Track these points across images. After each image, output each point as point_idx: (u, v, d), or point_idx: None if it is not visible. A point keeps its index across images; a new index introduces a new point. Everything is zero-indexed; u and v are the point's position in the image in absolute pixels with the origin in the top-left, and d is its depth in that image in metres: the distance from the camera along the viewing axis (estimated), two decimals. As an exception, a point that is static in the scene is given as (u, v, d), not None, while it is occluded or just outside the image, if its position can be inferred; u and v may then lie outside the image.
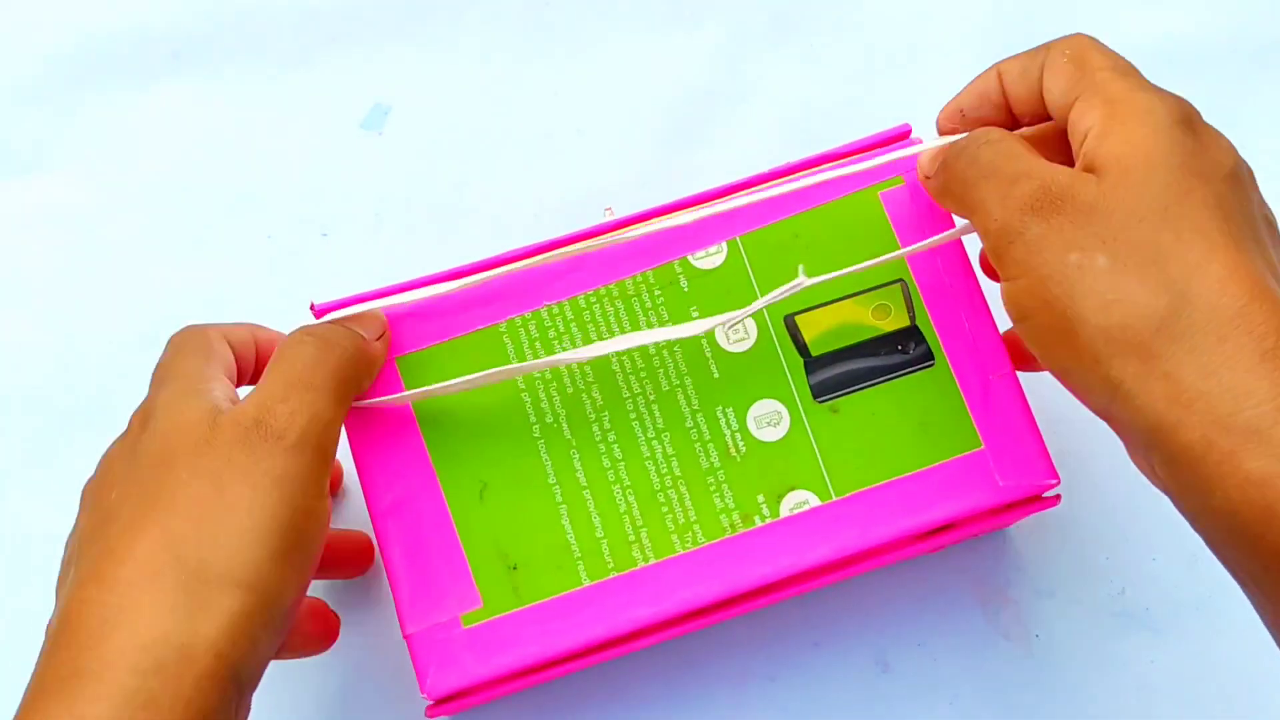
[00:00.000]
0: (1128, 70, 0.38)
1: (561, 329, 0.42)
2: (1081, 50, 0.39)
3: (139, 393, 0.51)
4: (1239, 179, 0.36)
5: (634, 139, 0.53)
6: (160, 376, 0.40)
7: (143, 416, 0.39)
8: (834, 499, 0.41)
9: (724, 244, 0.43)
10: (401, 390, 0.42)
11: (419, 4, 0.55)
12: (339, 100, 0.54)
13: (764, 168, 0.54)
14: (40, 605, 0.49)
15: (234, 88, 0.54)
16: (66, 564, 0.39)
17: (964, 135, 0.40)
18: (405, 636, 0.41)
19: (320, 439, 0.37)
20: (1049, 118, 0.40)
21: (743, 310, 0.41)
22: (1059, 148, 0.39)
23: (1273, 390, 0.32)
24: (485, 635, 0.40)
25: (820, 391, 0.42)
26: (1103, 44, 0.40)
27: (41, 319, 0.52)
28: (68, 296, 0.52)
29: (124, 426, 0.51)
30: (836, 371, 0.42)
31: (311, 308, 0.42)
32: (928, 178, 0.41)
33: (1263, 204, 0.37)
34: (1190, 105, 0.38)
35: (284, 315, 0.52)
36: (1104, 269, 0.34)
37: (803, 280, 0.40)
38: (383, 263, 0.52)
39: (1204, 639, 0.47)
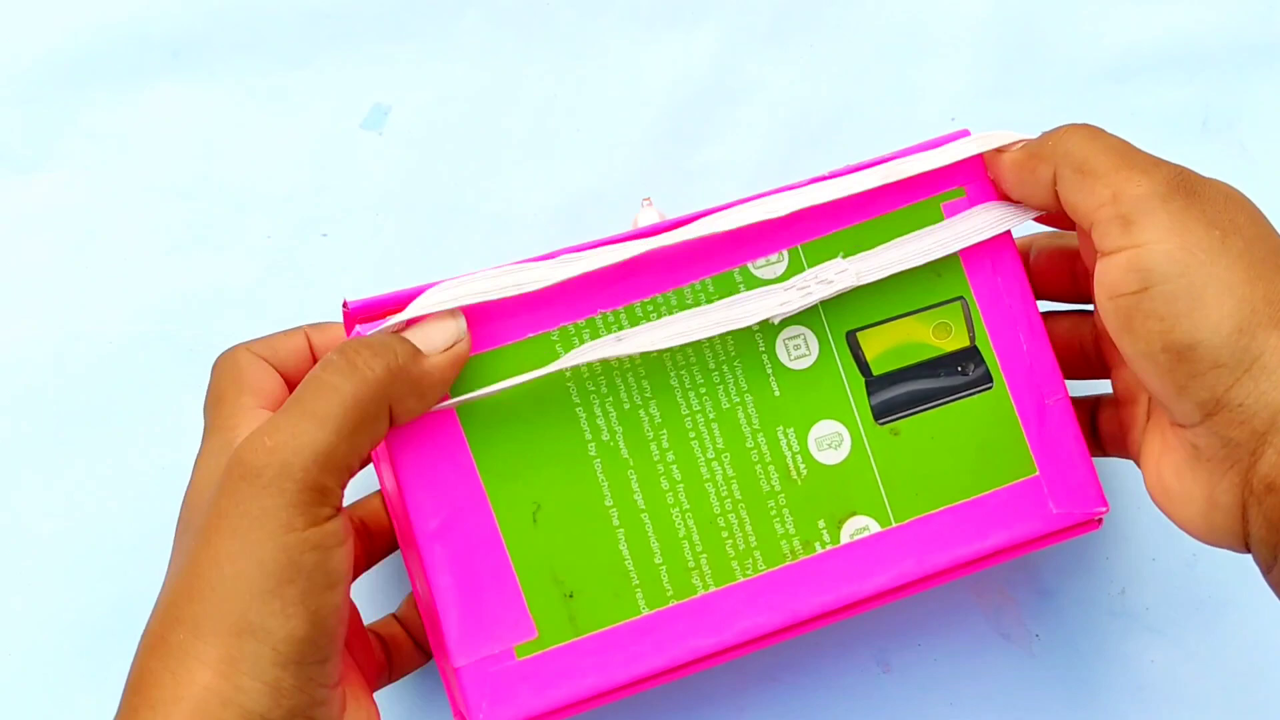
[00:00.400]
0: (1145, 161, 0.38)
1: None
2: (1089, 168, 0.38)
3: (138, 393, 0.51)
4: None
5: (634, 139, 0.53)
6: (207, 417, 0.40)
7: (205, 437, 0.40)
8: (894, 525, 0.41)
9: (785, 252, 0.41)
10: (446, 399, 0.39)
11: (419, 4, 0.54)
12: (339, 100, 0.54)
13: (763, 167, 0.54)
14: (40, 605, 0.49)
15: (234, 88, 0.54)
16: None
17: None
18: (455, 669, 0.38)
19: (307, 472, 0.35)
20: (1052, 206, 0.40)
21: (796, 303, 0.40)
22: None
23: None
24: (540, 667, 0.38)
25: (882, 413, 0.41)
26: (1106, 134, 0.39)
27: (41, 319, 0.52)
28: (68, 296, 0.52)
29: (123, 427, 0.51)
30: (898, 392, 0.41)
31: (345, 307, 0.39)
32: (1012, 157, 0.41)
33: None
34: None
35: (284, 315, 0.52)
36: (1243, 250, 0.34)
37: (849, 268, 0.40)
38: (383, 263, 0.52)
39: (1204, 639, 0.47)
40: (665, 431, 0.40)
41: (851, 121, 0.54)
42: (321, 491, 0.35)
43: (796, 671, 0.48)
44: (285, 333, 0.42)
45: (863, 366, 0.42)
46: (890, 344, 0.42)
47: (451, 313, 0.38)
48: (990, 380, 0.42)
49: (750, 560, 0.40)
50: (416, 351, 0.37)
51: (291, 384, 0.41)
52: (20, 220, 0.53)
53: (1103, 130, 0.39)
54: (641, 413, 0.40)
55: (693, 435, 0.40)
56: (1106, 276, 0.36)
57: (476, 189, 0.53)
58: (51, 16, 0.55)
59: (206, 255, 0.53)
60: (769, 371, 0.41)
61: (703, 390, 0.41)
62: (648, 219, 0.43)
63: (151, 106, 0.54)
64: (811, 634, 0.47)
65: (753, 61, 0.54)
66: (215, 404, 0.40)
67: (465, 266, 0.52)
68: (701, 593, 0.40)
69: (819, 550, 0.41)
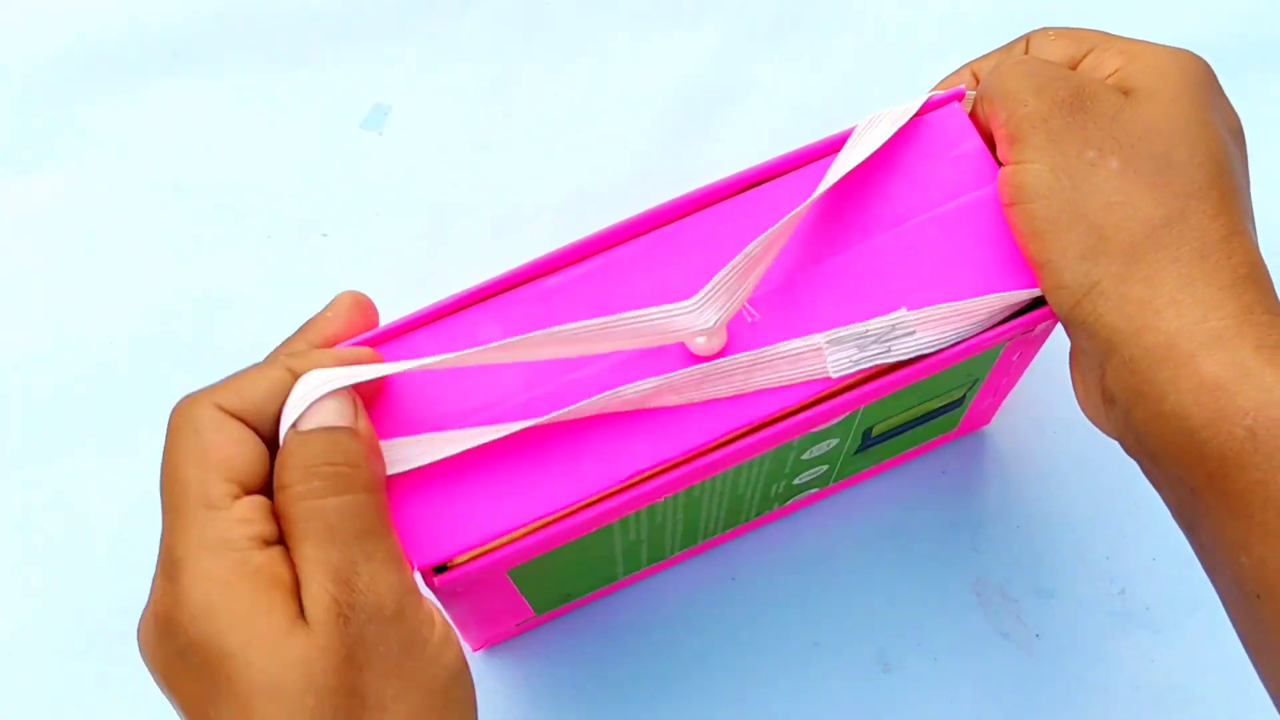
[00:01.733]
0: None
1: (669, 510, 0.40)
2: (1067, 28, 0.40)
3: (138, 393, 0.51)
4: (1242, 140, 0.39)
5: (634, 139, 0.53)
6: (167, 502, 0.33)
7: (166, 572, 0.32)
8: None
9: (832, 424, 0.39)
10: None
11: (419, 4, 0.54)
12: (339, 100, 0.54)
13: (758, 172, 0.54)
14: (39, 605, 0.49)
15: (234, 88, 0.54)
16: None
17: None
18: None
19: (406, 582, 0.32)
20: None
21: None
22: None
23: (1239, 307, 0.34)
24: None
25: (865, 448, 0.44)
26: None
27: (41, 319, 0.52)
28: (68, 296, 0.52)
29: (123, 427, 0.51)
30: (887, 439, 0.44)
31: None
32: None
33: (1246, 172, 0.39)
34: (1209, 65, 0.39)
35: (284, 315, 0.52)
36: (1115, 171, 0.36)
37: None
38: (383, 263, 0.52)
39: (1204, 639, 0.47)
40: (680, 514, 0.41)
41: (851, 122, 0.54)
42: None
43: (796, 671, 0.48)
44: (258, 370, 0.34)
45: (866, 438, 0.43)
46: (896, 422, 0.43)
47: (308, 383, 0.33)
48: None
49: None
50: (352, 433, 0.33)
51: (270, 436, 0.34)
52: (20, 220, 0.53)
53: (1043, 43, 0.41)
54: (667, 517, 0.41)
55: (702, 508, 0.41)
56: (998, 185, 0.38)
57: (476, 189, 0.53)
58: (51, 16, 0.55)
59: (206, 255, 0.53)
60: (788, 468, 0.42)
61: (728, 485, 0.40)
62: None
63: (151, 106, 0.54)
64: (811, 634, 0.48)
65: (753, 61, 0.54)
66: (173, 486, 0.33)
67: (465, 266, 0.52)
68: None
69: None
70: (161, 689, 0.32)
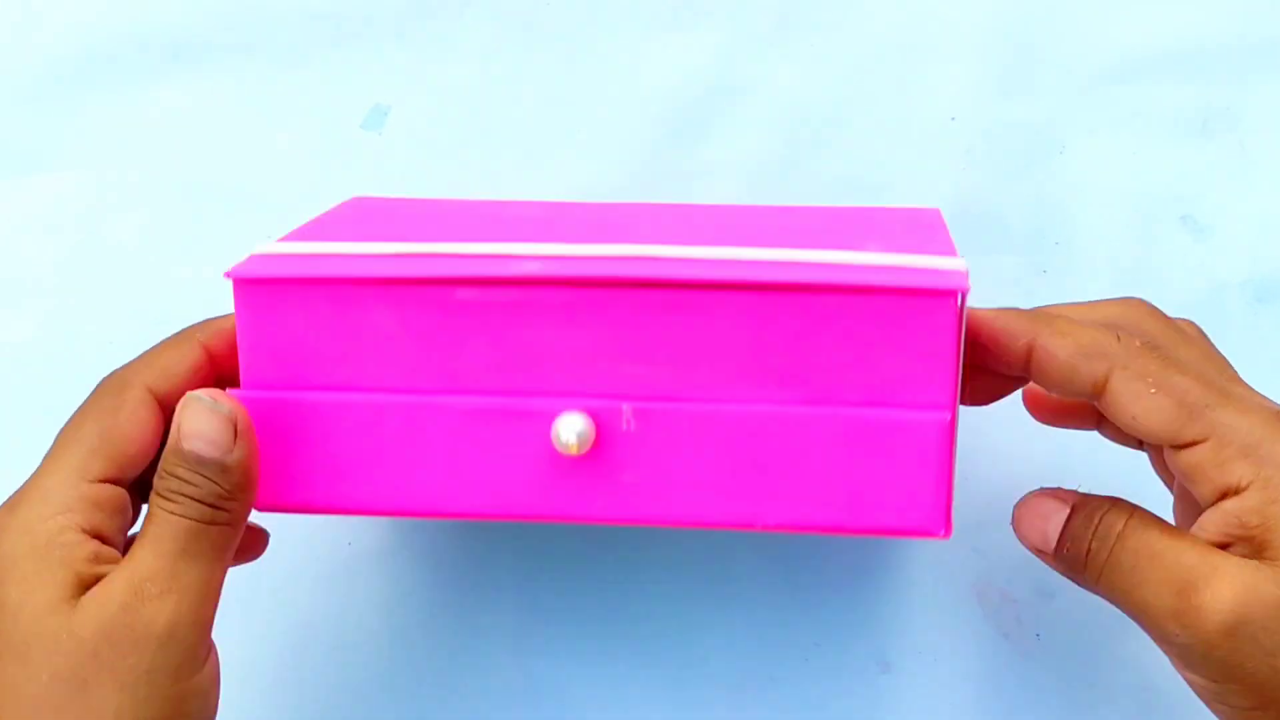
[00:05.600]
0: (1226, 390, 0.36)
1: None
2: (1163, 376, 0.36)
3: (139, 393, 0.51)
4: None
5: (634, 139, 0.53)
6: (59, 443, 0.38)
7: (10, 501, 0.37)
8: None
9: None
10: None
11: (419, 4, 0.54)
12: (339, 100, 0.54)
13: (763, 167, 0.54)
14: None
15: (234, 87, 0.54)
16: None
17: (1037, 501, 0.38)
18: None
19: (199, 614, 0.35)
20: (1087, 396, 0.37)
21: None
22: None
23: None
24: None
25: None
26: (1169, 346, 0.38)
27: (41, 319, 0.52)
28: (68, 296, 0.52)
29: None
30: None
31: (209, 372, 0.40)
32: (1042, 553, 0.39)
33: None
34: None
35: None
36: None
37: None
38: (383, 263, 0.52)
39: (1204, 639, 0.47)
40: None
41: (851, 121, 0.54)
42: (207, 625, 0.36)
43: (796, 671, 0.48)
44: (174, 344, 0.39)
45: None
46: None
47: (205, 401, 0.37)
48: None
49: None
50: (222, 465, 0.36)
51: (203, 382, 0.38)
52: (20, 220, 0.53)
53: (1129, 531, 0.37)
54: None
55: None
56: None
57: (476, 189, 0.53)
58: (51, 16, 0.55)
59: (206, 255, 0.53)
60: None
61: None
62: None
63: (151, 106, 0.54)
64: (811, 634, 0.47)
65: (753, 61, 0.54)
66: (71, 434, 0.38)
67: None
68: None
69: None
70: None
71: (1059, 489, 0.39)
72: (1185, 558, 0.35)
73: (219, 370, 0.40)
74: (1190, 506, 0.38)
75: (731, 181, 0.53)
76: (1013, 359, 0.37)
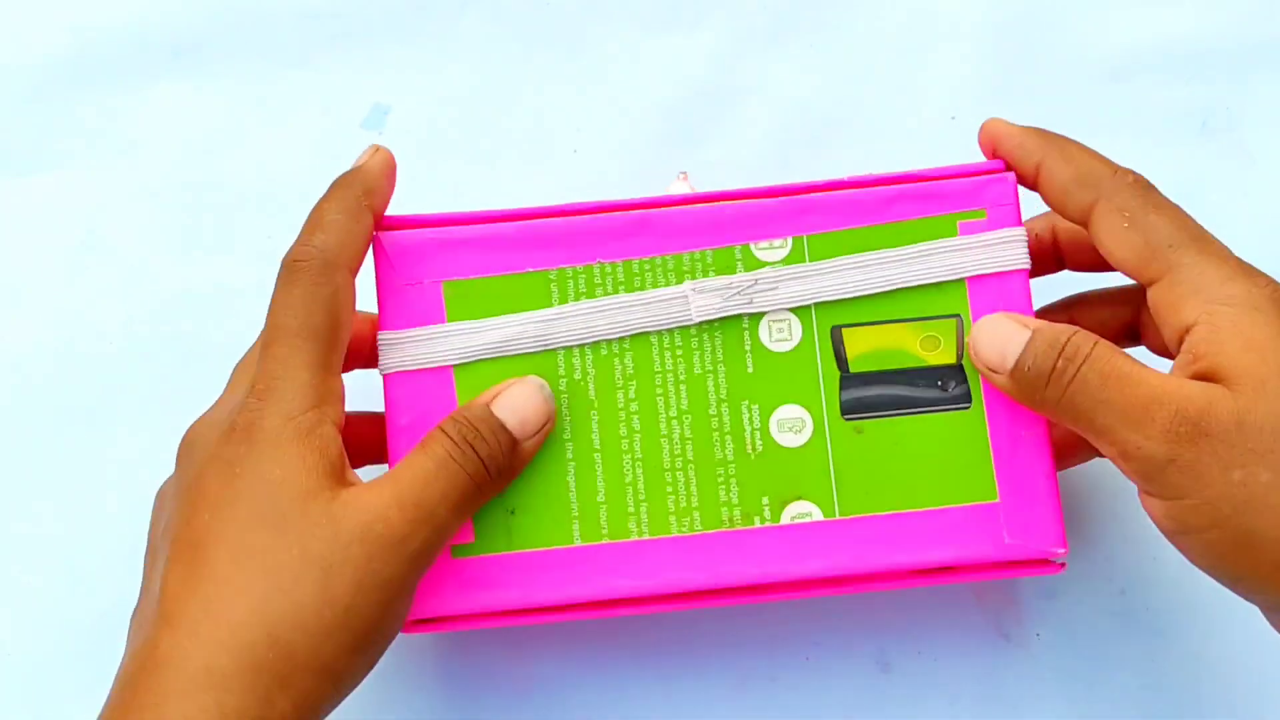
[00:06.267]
0: (1196, 235, 0.38)
1: (609, 289, 0.42)
2: (1139, 212, 0.39)
3: (138, 393, 0.51)
4: None
5: (633, 138, 0.53)
6: (293, 328, 0.38)
7: (247, 425, 0.37)
8: (837, 518, 0.41)
9: (789, 239, 0.42)
10: (443, 313, 0.42)
11: (419, 4, 0.54)
12: (339, 100, 0.54)
13: (763, 167, 0.54)
14: (39, 605, 0.49)
15: (234, 88, 0.54)
16: (152, 561, 0.38)
17: (1032, 332, 0.39)
18: None
19: (434, 554, 0.38)
20: (1076, 222, 0.40)
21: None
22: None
23: None
24: (472, 570, 0.41)
25: (849, 409, 0.41)
26: (1156, 192, 0.39)
27: (41, 319, 0.52)
28: (68, 296, 0.52)
29: (123, 427, 0.51)
30: (870, 393, 0.41)
31: (377, 227, 0.42)
32: (996, 373, 0.40)
33: None
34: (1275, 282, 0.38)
35: (284, 315, 0.52)
36: (1270, 483, 0.35)
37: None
38: (383, 263, 0.52)
39: (1204, 639, 0.47)
40: (635, 382, 0.42)
41: (851, 121, 0.54)
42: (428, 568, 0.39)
43: (796, 671, 0.48)
44: (348, 211, 0.41)
45: (841, 362, 0.42)
46: (873, 346, 0.42)
47: (541, 389, 0.41)
48: (969, 401, 0.41)
49: (688, 518, 0.41)
50: (515, 443, 0.40)
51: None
52: (20, 220, 0.53)
53: (1098, 357, 0.38)
54: (616, 361, 0.42)
55: (659, 392, 0.42)
56: (1155, 519, 0.38)
57: (476, 189, 0.53)
58: (51, 16, 0.55)
59: (206, 255, 0.53)
60: (747, 348, 0.42)
61: (679, 352, 0.42)
62: (678, 189, 0.45)
63: (151, 106, 0.54)
64: (811, 634, 0.47)
65: (753, 61, 0.54)
66: (292, 360, 0.38)
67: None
68: (635, 538, 0.41)
69: (757, 524, 0.41)
70: (185, 490, 0.38)
71: (1020, 314, 0.40)
72: (1150, 378, 0.37)
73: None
74: None
75: (732, 181, 0.53)
76: (1025, 176, 0.41)
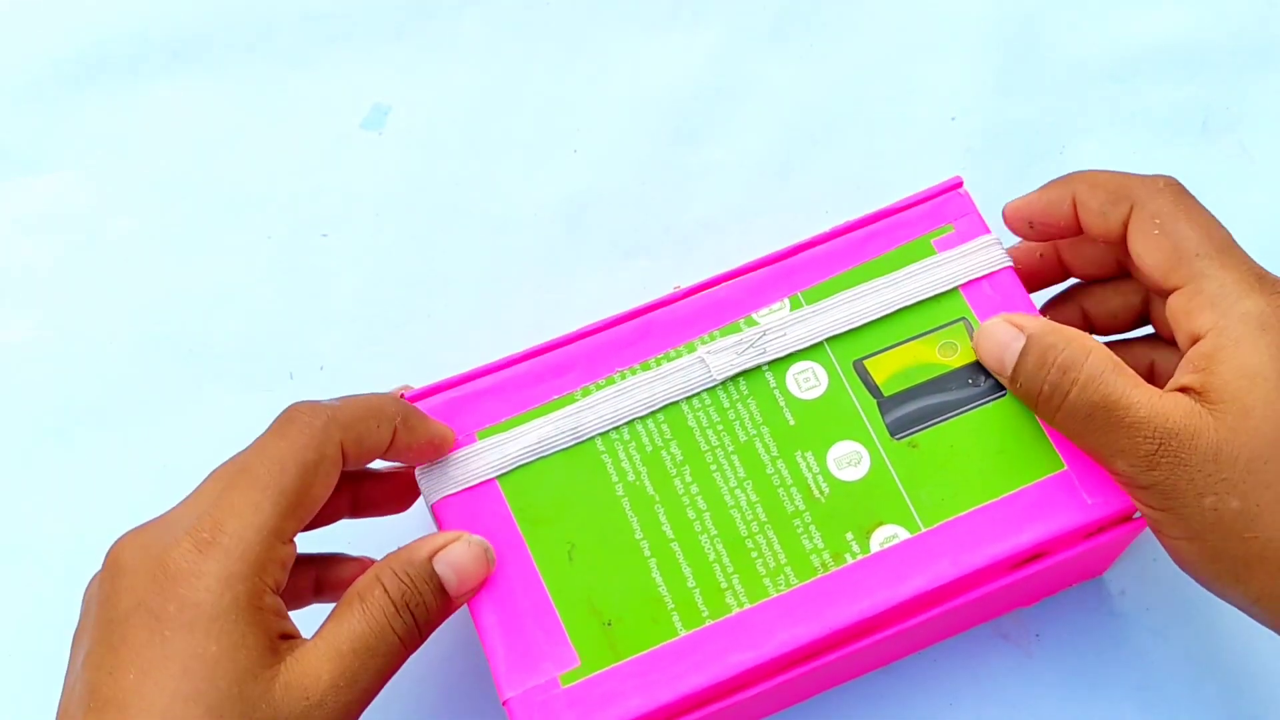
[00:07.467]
0: (1223, 246, 0.39)
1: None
2: (1170, 219, 0.39)
3: (138, 393, 0.51)
4: None
5: (634, 138, 0.53)
6: (260, 478, 0.36)
7: (181, 575, 0.35)
8: (923, 530, 0.41)
9: (784, 299, 0.43)
10: (486, 468, 0.42)
11: (419, 4, 0.55)
12: (339, 100, 0.54)
13: (763, 167, 0.54)
14: (39, 605, 0.49)
15: (234, 88, 0.54)
16: (72, 670, 0.37)
17: (1024, 333, 0.40)
18: (504, 702, 0.40)
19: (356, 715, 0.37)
20: (1117, 240, 0.41)
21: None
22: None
23: None
24: (584, 693, 0.40)
25: (897, 428, 0.42)
26: (1189, 198, 0.40)
27: (41, 319, 0.52)
28: (68, 296, 0.52)
29: (123, 427, 0.51)
30: (911, 408, 0.42)
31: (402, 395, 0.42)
32: (1011, 379, 0.41)
33: None
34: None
35: (284, 315, 0.52)
36: (1238, 510, 0.36)
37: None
38: (383, 263, 0.52)
39: (1204, 639, 0.47)
40: (688, 467, 0.42)
41: (851, 121, 0.54)
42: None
43: (796, 671, 0.48)
44: (374, 414, 0.39)
45: (873, 390, 0.42)
46: (898, 367, 0.43)
47: (486, 550, 0.40)
48: (1002, 389, 0.42)
49: (782, 576, 0.41)
50: (449, 602, 0.39)
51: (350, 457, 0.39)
52: (20, 220, 0.53)
53: (1089, 371, 0.39)
54: (664, 453, 0.42)
55: (714, 467, 0.42)
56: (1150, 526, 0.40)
57: (476, 189, 0.53)
58: (51, 17, 0.55)
59: (206, 255, 0.53)
60: (781, 404, 0.42)
61: (720, 427, 0.42)
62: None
63: (151, 106, 0.54)
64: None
65: (753, 61, 0.54)
66: (281, 477, 0.37)
67: (465, 267, 0.52)
68: (736, 610, 0.41)
69: (850, 561, 0.41)
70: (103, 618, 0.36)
71: (1020, 314, 0.41)
72: (1138, 403, 0.37)
73: (397, 453, 0.40)
74: None
75: (731, 181, 0.53)
76: (1065, 225, 0.42)
